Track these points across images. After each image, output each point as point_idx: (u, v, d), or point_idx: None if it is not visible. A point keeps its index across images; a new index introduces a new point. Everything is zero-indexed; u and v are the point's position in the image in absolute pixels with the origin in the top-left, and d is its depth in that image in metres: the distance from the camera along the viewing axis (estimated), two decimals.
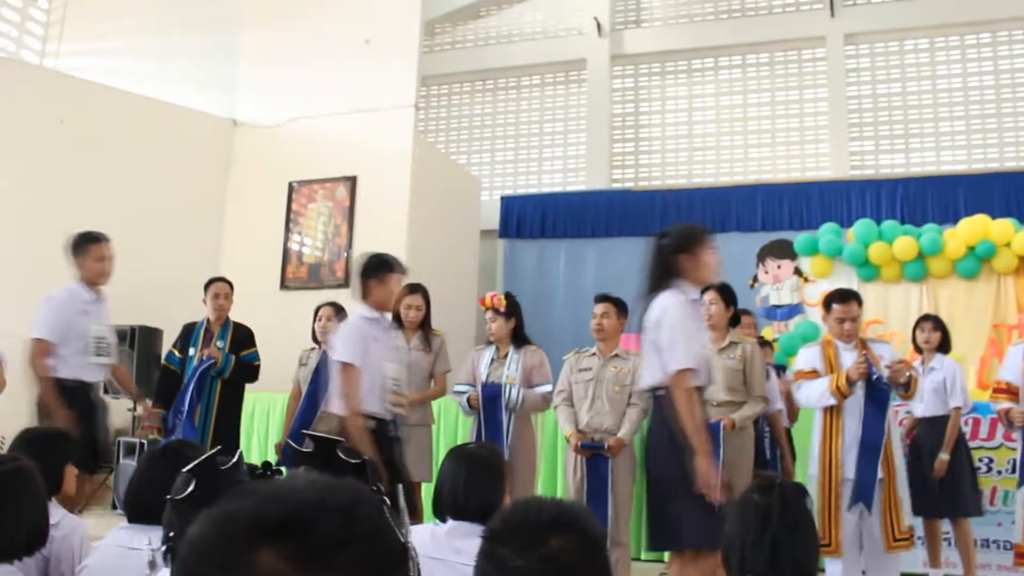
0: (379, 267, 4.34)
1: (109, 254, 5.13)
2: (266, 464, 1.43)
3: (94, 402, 5.10)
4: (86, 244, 5.07)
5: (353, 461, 1.70)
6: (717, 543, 2.45)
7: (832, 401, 4.53)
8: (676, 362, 3.58)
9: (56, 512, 2.66)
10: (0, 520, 2.09)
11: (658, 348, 3.66)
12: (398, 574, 0.80)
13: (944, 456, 5.29)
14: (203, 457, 1.81)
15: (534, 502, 1.38)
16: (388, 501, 0.81)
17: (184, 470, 1.74)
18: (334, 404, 4.26)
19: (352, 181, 9.62)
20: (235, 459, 1.65)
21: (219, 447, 2.00)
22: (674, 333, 3.61)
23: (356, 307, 4.38)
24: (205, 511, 0.79)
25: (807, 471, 4.67)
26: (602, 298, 5.24)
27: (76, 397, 4.88)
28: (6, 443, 4.52)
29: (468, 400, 5.22)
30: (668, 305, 3.67)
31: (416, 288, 5.50)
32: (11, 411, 4.98)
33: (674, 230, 3.90)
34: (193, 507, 1.16)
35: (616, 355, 5.13)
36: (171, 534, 0.96)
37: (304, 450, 1.74)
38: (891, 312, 8.65)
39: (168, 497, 1.34)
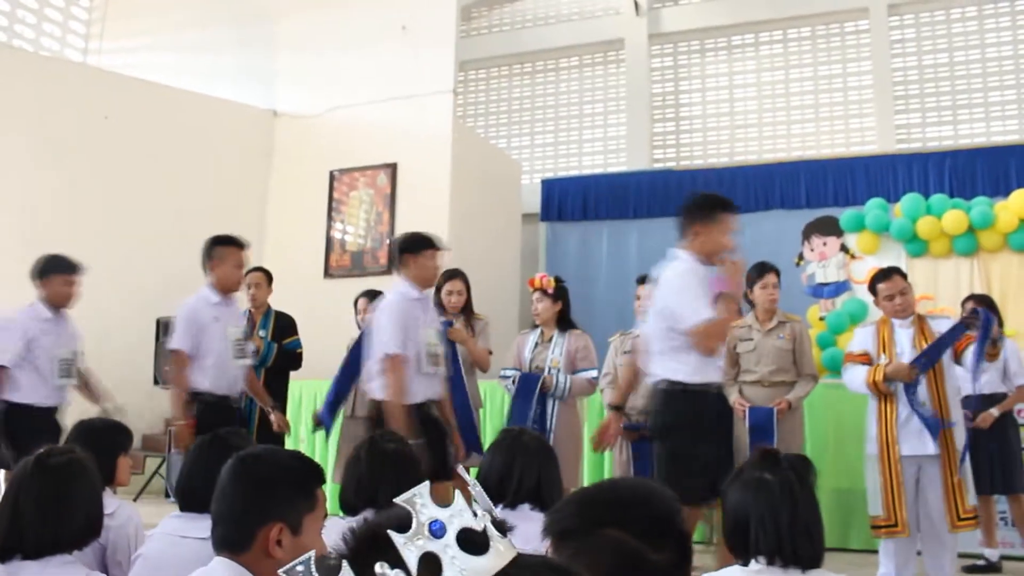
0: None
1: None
2: None
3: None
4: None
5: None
6: None
7: (867, 392, 4.44)
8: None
9: (111, 502, 2.71)
10: (56, 512, 2.13)
11: None
12: None
13: (995, 411, 5.23)
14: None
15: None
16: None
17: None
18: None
19: (392, 168, 9.65)
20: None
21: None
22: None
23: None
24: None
25: (865, 451, 4.58)
26: (645, 279, 5.20)
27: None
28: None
29: (513, 382, 5.22)
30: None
31: (456, 273, 5.49)
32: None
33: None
34: None
35: None
36: None
37: None
38: (941, 288, 8.47)
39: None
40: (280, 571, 0.71)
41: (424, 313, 4.46)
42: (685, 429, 3.71)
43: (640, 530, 1.22)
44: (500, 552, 0.74)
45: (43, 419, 4.81)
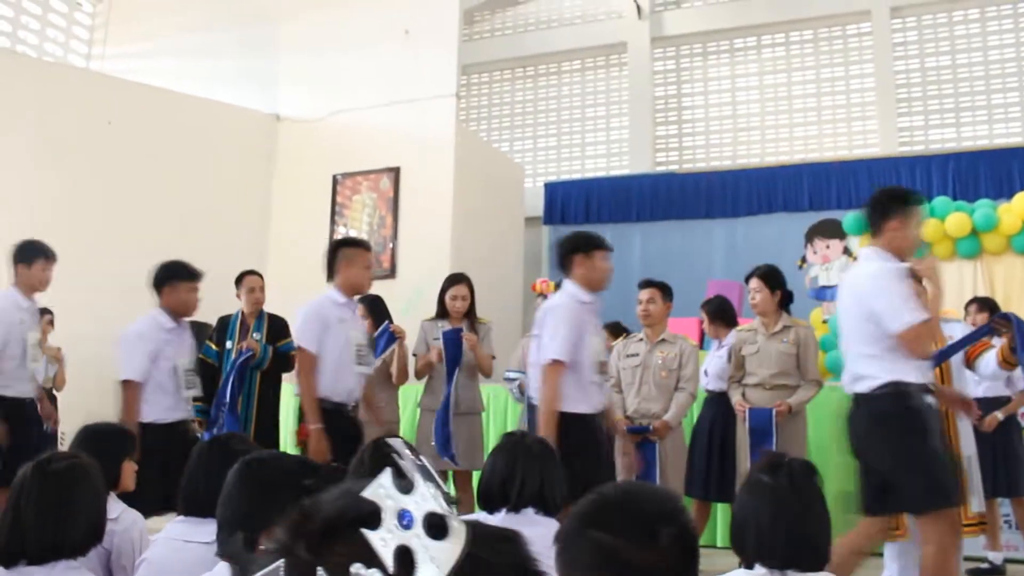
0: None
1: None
2: None
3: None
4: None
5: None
6: None
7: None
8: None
9: (115, 507, 2.71)
10: (57, 517, 2.13)
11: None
12: None
13: (999, 415, 5.21)
14: None
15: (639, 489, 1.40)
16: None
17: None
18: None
19: (395, 172, 9.65)
20: None
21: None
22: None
23: None
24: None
25: None
26: (647, 283, 5.21)
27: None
28: (67, 439, 4.59)
29: (519, 387, 5.22)
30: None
31: (461, 278, 5.50)
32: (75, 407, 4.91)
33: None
34: None
35: (663, 340, 5.11)
36: None
37: None
38: (944, 291, 8.46)
39: None
40: None
41: (593, 318, 4.15)
42: (926, 429, 3.51)
43: (624, 530, 1.24)
44: (457, 530, 0.74)
45: (168, 435, 4.53)
